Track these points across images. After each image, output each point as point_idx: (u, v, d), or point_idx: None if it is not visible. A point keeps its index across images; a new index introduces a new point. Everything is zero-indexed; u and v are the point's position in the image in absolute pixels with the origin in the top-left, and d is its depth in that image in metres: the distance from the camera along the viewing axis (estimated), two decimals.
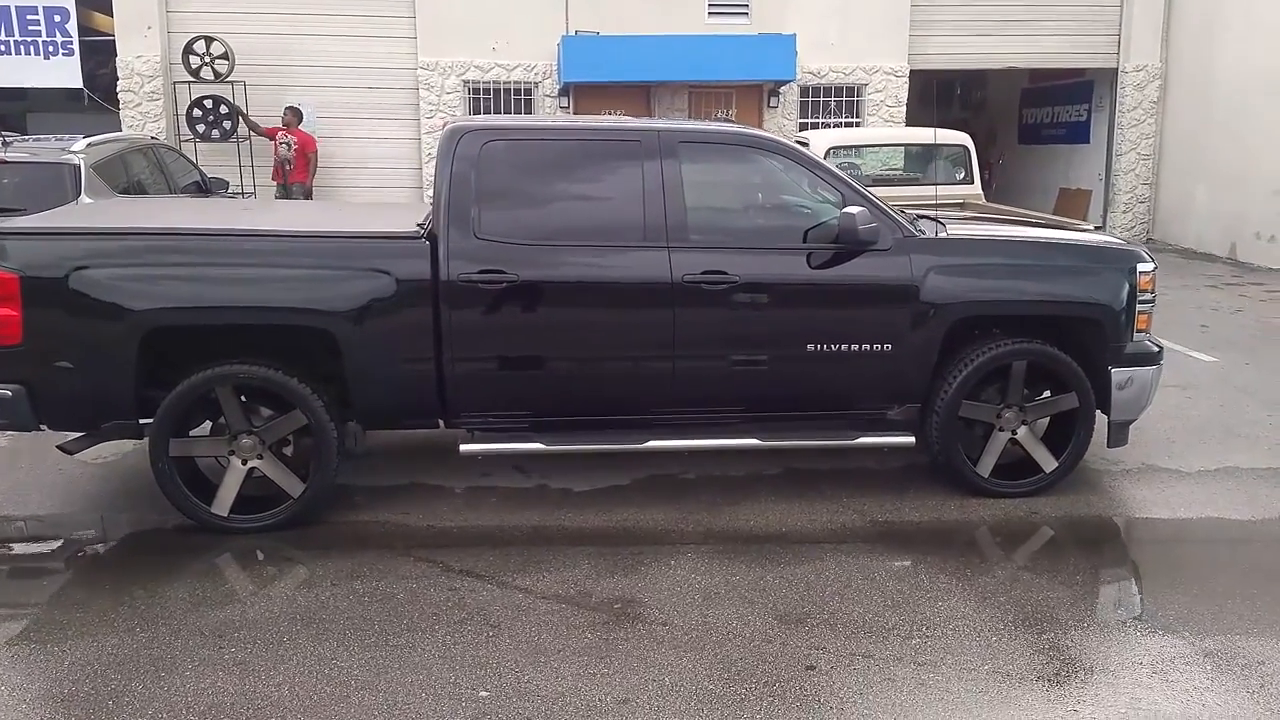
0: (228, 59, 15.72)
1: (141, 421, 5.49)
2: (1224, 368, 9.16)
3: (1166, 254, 15.44)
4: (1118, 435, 6.28)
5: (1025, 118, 21.85)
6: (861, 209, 5.70)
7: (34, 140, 10.53)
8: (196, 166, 12.12)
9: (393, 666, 4.22)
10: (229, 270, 5.43)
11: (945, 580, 5.03)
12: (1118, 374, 6.04)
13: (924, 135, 13.46)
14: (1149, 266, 6.15)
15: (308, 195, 15.43)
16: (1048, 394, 6.17)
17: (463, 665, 4.22)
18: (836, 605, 4.76)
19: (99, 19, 16.47)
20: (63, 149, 9.21)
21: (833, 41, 17.17)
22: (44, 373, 5.31)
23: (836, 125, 17.16)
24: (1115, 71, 18.22)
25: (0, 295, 5.18)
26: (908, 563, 5.25)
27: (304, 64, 16.22)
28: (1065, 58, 18.27)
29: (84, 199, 8.73)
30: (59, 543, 5.65)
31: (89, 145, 9.41)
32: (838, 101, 17.61)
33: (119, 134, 12.51)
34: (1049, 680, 4.12)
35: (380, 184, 16.65)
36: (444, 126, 6.10)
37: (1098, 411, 6.11)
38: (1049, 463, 6.09)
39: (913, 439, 6.06)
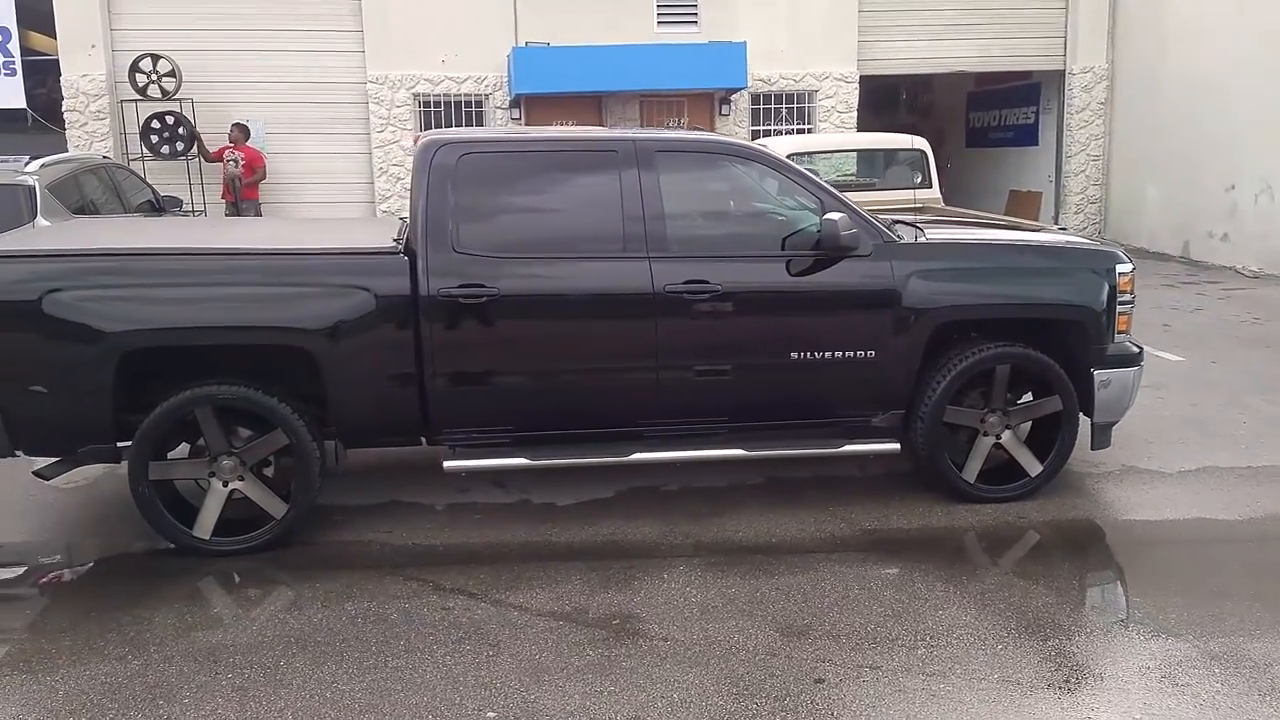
0: (175, 76, 15.48)
1: (119, 445, 5.36)
2: (1191, 367, 9.26)
3: None
4: (1101, 437, 6.30)
5: (972, 121, 22.09)
6: (842, 215, 5.68)
7: None
8: (149, 185, 11.90)
9: (394, 688, 4.13)
10: (206, 290, 5.33)
11: (942, 588, 5.01)
12: (1100, 375, 6.06)
13: (882, 140, 13.56)
14: (1128, 267, 6.19)
15: (258, 212, 15.22)
16: (1029, 397, 6.19)
17: (466, 686, 4.14)
18: (837, 616, 4.72)
19: (36, 39, 16.16)
20: (16, 170, 8.99)
21: (782, 49, 17.25)
22: (18, 397, 5.19)
23: (788, 132, 17.21)
24: (1062, 74, 18.47)
25: None
26: (902, 571, 5.22)
27: (252, 80, 16.00)
28: (1012, 61, 18.48)
29: (40, 220, 8.54)
30: (35, 569, 5.51)
31: (43, 166, 9.22)
32: (789, 108, 17.69)
33: (72, 154, 12.30)
34: (1059, 688, 4.10)
35: (331, 199, 16.49)
36: (417, 140, 6.03)
37: (1080, 414, 6.13)
38: (1034, 466, 6.09)
39: (898, 446, 6.05)
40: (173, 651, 4.47)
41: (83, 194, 9.73)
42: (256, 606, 4.99)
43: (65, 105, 15.79)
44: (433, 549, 5.60)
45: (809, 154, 12.62)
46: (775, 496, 6.26)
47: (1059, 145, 18.93)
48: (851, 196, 6.23)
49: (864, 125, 17.63)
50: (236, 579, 5.27)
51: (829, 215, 5.67)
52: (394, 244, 5.62)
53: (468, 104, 16.89)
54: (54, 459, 5.56)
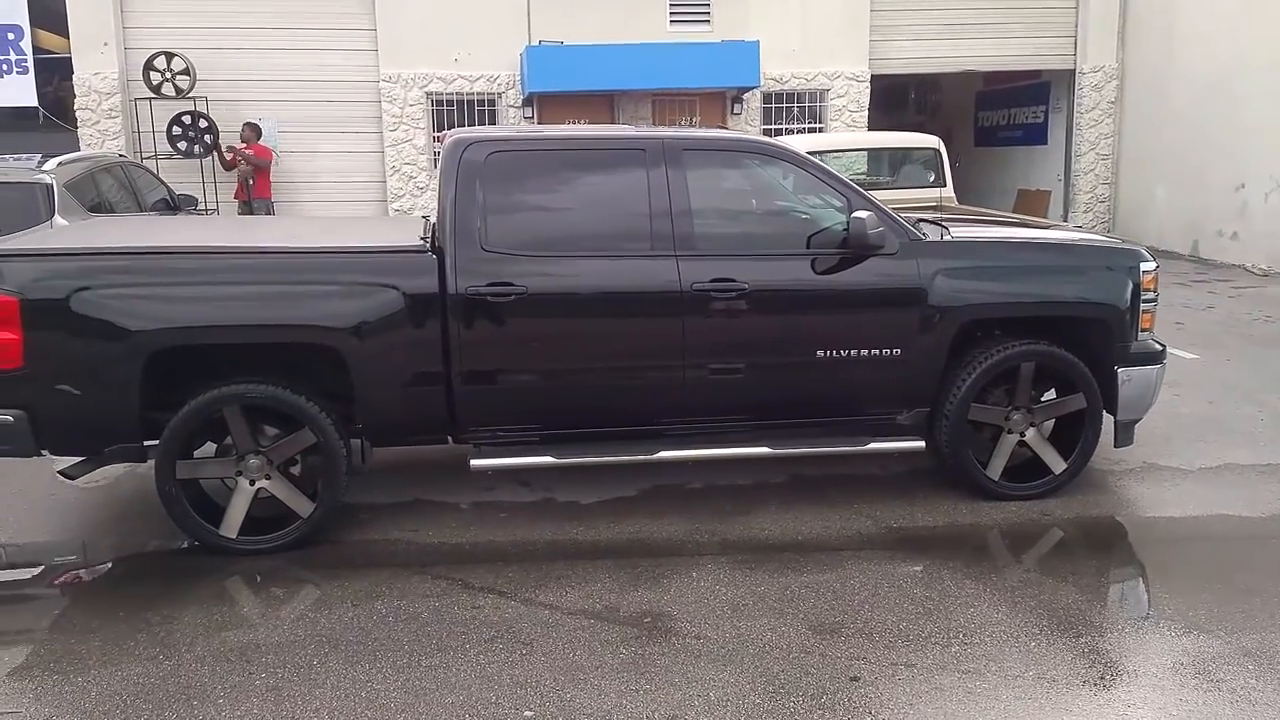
0: (189, 74, 15.50)
1: (146, 444, 5.36)
2: (1207, 365, 9.26)
3: None
4: (1124, 435, 6.30)
5: (981, 120, 22.10)
6: (869, 213, 5.68)
7: None
8: (164, 183, 11.89)
9: (430, 688, 4.13)
10: (234, 288, 5.32)
11: (972, 585, 5.01)
12: (1124, 373, 6.06)
13: (897, 139, 13.54)
14: (1151, 265, 6.18)
15: (270, 211, 15.24)
16: (1051, 395, 6.19)
17: (501, 685, 4.14)
18: (869, 614, 4.72)
19: (46, 37, 16.15)
20: (34, 168, 8.99)
21: (794, 48, 17.25)
22: (45, 397, 5.16)
23: (800, 131, 17.21)
24: (1072, 73, 18.45)
25: (0, 318, 5.02)
26: (930, 568, 5.22)
27: (265, 78, 16.02)
28: (1023, 60, 18.47)
29: (57, 219, 8.53)
30: (57, 568, 5.52)
31: (60, 164, 9.21)
32: (801, 107, 17.69)
33: (88, 152, 12.28)
34: (1095, 684, 4.11)
35: (343, 198, 16.52)
36: (439, 139, 6.03)
37: (1103, 412, 6.13)
38: (1058, 464, 6.09)
39: (922, 443, 6.05)
40: (204, 651, 4.46)
41: (99, 192, 9.72)
42: (286, 606, 4.99)
43: (77, 103, 15.80)
44: (460, 547, 5.60)
45: (825, 153, 12.61)
46: (799, 494, 6.26)
47: (1068, 144, 18.93)
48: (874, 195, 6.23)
49: (873, 124, 17.64)
50: (264, 578, 5.27)
51: (857, 214, 5.67)
52: (422, 242, 5.62)
53: (480, 102, 16.88)
54: (79, 458, 5.57)
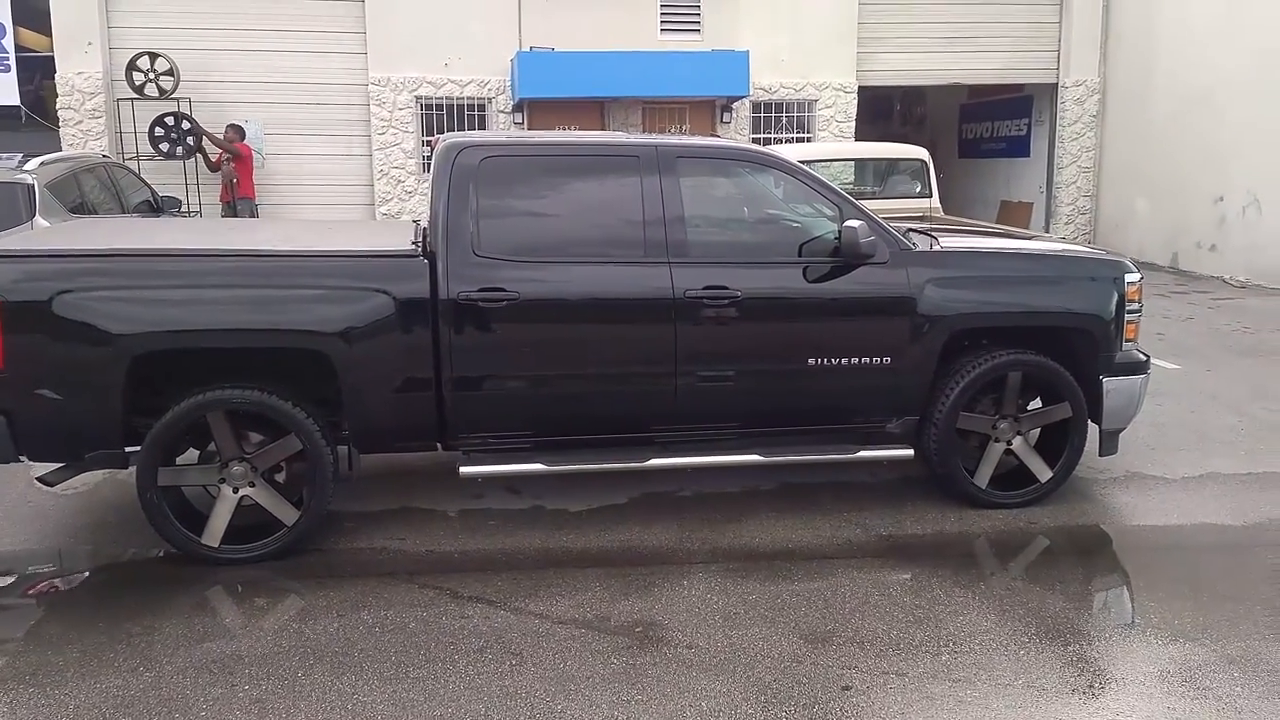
0: (173, 75, 15.38)
1: (128, 450, 5.27)
2: (1187, 375, 9.32)
3: None
4: (1109, 444, 6.33)
5: (965, 132, 22.20)
6: (861, 222, 5.69)
7: None
8: (147, 185, 11.80)
9: (418, 700, 4.08)
10: (221, 292, 5.23)
11: (961, 594, 5.01)
12: (1109, 383, 6.09)
13: (884, 149, 13.59)
14: (1136, 276, 6.21)
15: (254, 212, 15.15)
16: (1038, 404, 6.21)
17: (491, 696, 4.10)
18: (859, 622, 4.71)
19: (28, 35, 16.02)
20: (15, 168, 8.89)
21: (783, 58, 17.31)
22: (25, 401, 5.05)
23: (788, 140, 17.25)
24: (1055, 87, 18.61)
25: None
26: (919, 576, 5.22)
27: (251, 80, 15.93)
28: (1007, 74, 18.61)
29: (39, 220, 8.44)
30: (32, 577, 5.40)
31: (42, 164, 9.10)
32: (789, 117, 17.74)
33: (71, 152, 12.18)
34: (1084, 693, 4.11)
35: (330, 201, 16.42)
36: (432, 144, 5.99)
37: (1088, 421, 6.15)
38: (1044, 472, 6.12)
39: (911, 452, 6.05)
40: (185, 663, 4.38)
41: (81, 193, 9.62)
42: (269, 616, 4.91)
43: (60, 103, 15.65)
44: (448, 556, 5.55)
45: (814, 162, 12.64)
46: (789, 502, 6.24)
47: (1050, 157, 19.05)
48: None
49: (859, 135, 17.71)
50: (247, 588, 5.19)
51: (848, 222, 5.67)
52: (413, 246, 5.58)
53: (470, 107, 16.84)
54: (58, 464, 5.47)
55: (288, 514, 5.43)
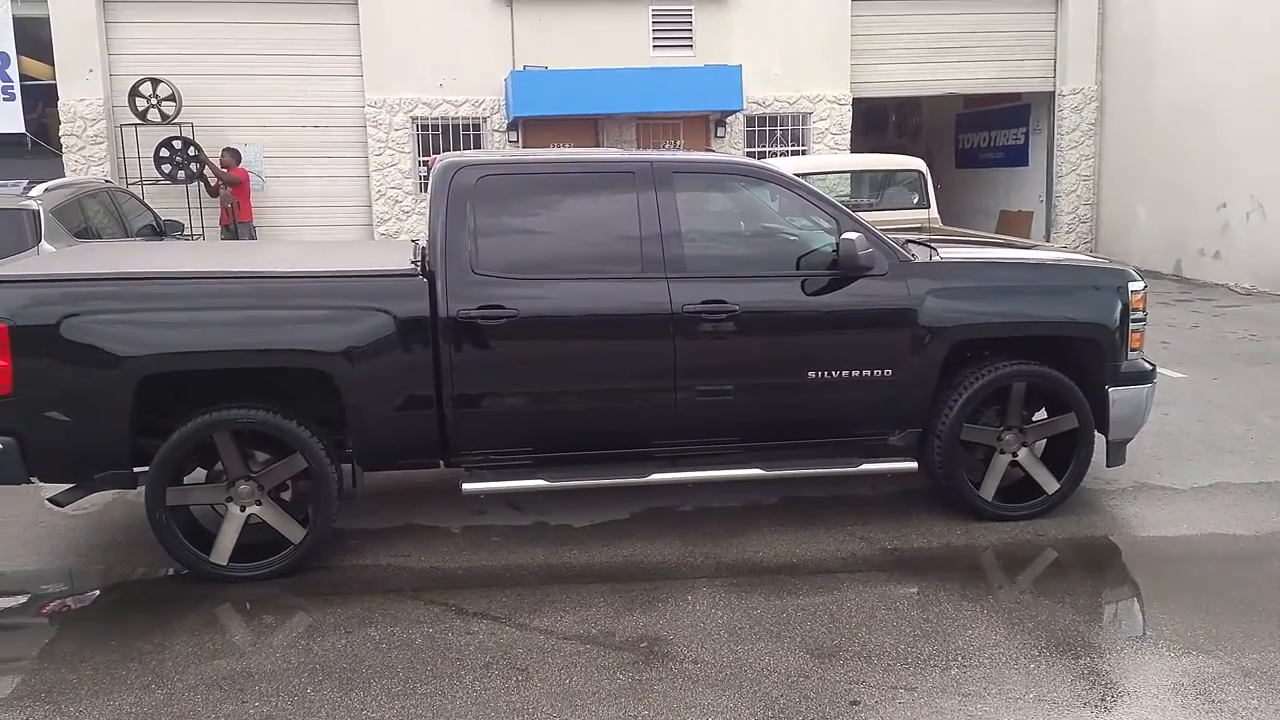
0: (174, 100, 15.49)
1: (136, 470, 5.30)
2: (1194, 383, 9.29)
3: None
4: (1116, 454, 6.31)
5: (962, 143, 22.23)
6: (859, 234, 5.70)
7: None
8: (150, 209, 11.84)
9: (426, 715, 4.08)
10: (225, 313, 5.29)
11: (969, 607, 4.99)
12: (1114, 393, 6.07)
13: (881, 161, 13.60)
14: (1139, 285, 6.20)
15: (253, 235, 15.21)
16: (1044, 415, 6.20)
17: (499, 712, 4.10)
18: (866, 637, 4.70)
19: (31, 64, 16.11)
20: (20, 194, 8.93)
21: (776, 71, 17.37)
22: (35, 424, 5.11)
23: (783, 154, 17.29)
24: (1052, 95, 18.63)
25: None
26: (926, 590, 5.21)
27: (250, 104, 16.04)
28: (1003, 83, 18.63)
29: (44, 245, 8.47)
30: (45, 597, 5.46)
31: (46, 190, 9.14)
32: (783, 130, 17.79)
33: (74, 178, 12.23)
34: (1096, 707, 4.08)
35: (329, 222, 16.49)
36: (429, 163, 6.02)
37: (1094, 431, 6.14)
38: (1051, 484, 6.09)
39: (915, 464, 6.04)
40: (196, 680, 4.40)
41: (85, 218, 9.65)
42: (277, 633, 4.93)
43: (63, 129, 15.76)
44: (452, 572, 5.56)
45: (809, 175, 12.66)
46: (792, 516, 6.24)
47: (1049, 166, 19.07)
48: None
49: (855, 147, 17.76)
50: (255, 605, 5.21)
51: (846, 235, 5.68)
52: (413, 265, 5.60)
53: (465, 127, 16.93)
54: (68, 485, 5.53)
55: (294, 532, 5.46)
